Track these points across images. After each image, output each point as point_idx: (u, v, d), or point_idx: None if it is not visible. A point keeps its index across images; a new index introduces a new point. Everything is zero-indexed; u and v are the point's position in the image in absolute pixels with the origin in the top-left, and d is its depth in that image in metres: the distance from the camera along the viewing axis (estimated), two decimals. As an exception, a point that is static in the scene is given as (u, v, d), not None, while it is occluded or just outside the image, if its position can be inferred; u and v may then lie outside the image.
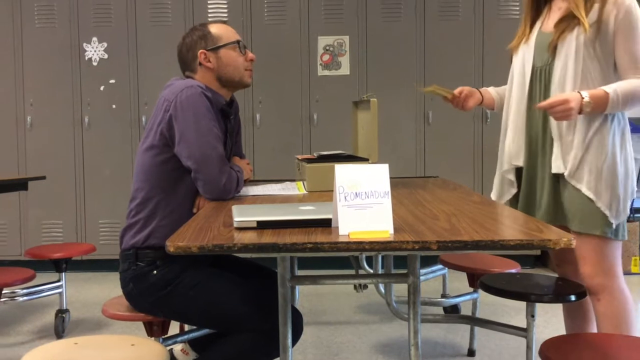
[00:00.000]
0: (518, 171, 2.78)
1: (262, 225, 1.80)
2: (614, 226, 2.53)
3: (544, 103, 2.48)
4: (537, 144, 2.69)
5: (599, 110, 2.48)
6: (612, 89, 2.46)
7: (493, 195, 2.87)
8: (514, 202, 2.80)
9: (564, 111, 2.44)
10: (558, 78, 2.57)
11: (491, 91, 3.02)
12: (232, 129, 2.73)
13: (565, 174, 2.57)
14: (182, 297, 2.42)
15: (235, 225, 1.81)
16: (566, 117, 2.46)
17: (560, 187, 2.62)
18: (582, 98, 2.44)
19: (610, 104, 2.46)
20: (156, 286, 2.44)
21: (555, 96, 2.50)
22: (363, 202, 1.70)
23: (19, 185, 4.18)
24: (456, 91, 2.91)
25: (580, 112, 2.46)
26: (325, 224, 1.80)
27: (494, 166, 2.90)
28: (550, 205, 2.64)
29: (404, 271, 2.15)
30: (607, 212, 2.52)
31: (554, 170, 2.60)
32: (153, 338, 2.54)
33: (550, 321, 4.23)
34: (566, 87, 2.54)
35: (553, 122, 2.60)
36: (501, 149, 2.83)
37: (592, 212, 2.53)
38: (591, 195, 2.52)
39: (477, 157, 5.70)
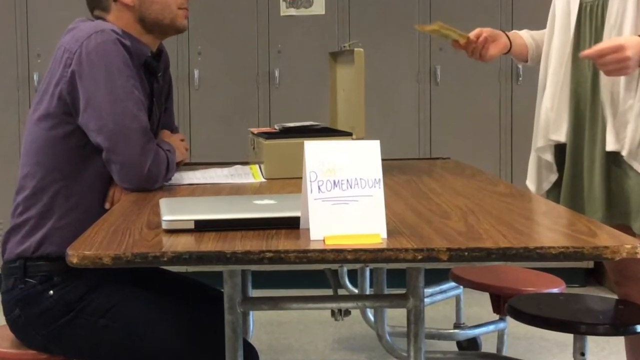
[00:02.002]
0: (560, 149, 2.79)
1: (201, 227, 1.80)
2: (690, 229, 2.54)
3: (590, 50, 2.48)
4: (585, 110, 2.69)
5: None
6: None
7: (529, 183, 2.88)
8: (555, 192, 2.81)
9: (617, 62, 2.43)
10: (614, 17, 2.58)
11: (524, 36, 3.01)
12: (160, 90, 2.73)
13: (624, 152, 2.59)
14: (89, 327, 2.42)
15: (164, 226, 1.81)
16: (621, 70, 2.46)
17: (617, 172, 2.64)
18: None
19: None
20: (53, 312, 2.44)
21: (607, 41, 2.50)
22: (344, 195, 1.70)
23: None
24: (472, 34, 2.89)
25: None
26: (291, 225, 1.80)
27: (529, 143, 2.91)
28: (604, 197, 2.66)
29: (402, 291, 2.16)
30: (678, 209, 2.53)
31: (609, 148, 2.62)
32: (49, 385, 2.54)
33: None
34: (624, 30, 2.55)
35: (604, 80, 2.60)
36: (537, 119, 2.84)
37: (661, 207, 2.54)
38: (659, 184, 2.54)
39: (505, 130, 5.73)
